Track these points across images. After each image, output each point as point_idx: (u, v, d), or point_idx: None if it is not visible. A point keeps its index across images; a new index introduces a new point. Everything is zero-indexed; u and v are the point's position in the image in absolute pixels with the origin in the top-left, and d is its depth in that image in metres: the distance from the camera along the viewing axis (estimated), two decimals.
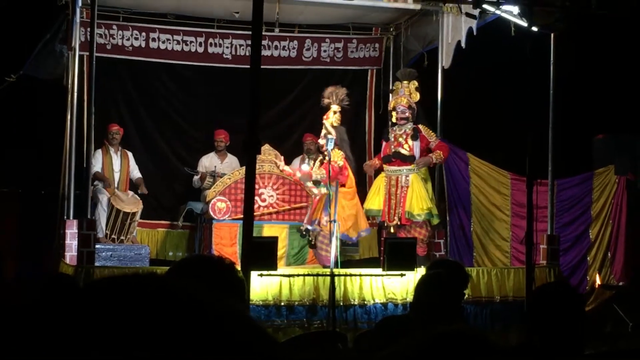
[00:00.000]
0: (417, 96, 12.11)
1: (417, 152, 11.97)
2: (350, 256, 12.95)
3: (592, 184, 13.03)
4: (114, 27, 13.16)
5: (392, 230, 12.11)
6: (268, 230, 11.96)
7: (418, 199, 11.81)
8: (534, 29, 10.60)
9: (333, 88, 11.61)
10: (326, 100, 11.50)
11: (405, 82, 12.17)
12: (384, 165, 12.22)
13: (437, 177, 12.92)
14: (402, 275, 10.77)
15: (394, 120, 12.15)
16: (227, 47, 13.73)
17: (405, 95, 12.06)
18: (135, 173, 12.90)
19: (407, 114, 12.02)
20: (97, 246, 11.14)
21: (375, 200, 12.16)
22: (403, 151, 11.96)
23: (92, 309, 0.95)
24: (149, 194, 12.86)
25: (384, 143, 12.31)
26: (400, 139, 12.02)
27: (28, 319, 0.98)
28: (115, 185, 12.61)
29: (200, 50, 13.64)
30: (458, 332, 1.59)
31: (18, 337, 0.96)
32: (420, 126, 12.03)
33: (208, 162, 13.17)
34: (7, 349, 0.96)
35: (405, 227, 11.95)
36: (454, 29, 12.47)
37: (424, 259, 11.60)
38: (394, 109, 12.12)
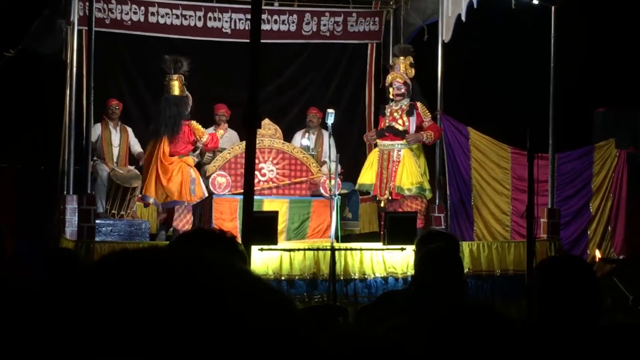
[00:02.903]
0: (412, 72, 12.16)
1: (412, 128, 12.02)
2: (350, 230, 12.96)
3: (592, 158, 13.03)
4: (113, 1, 13.10)
5: (382, 205, 12.18)
6: (268, 204, 11.96)
7: (408, 174, 11.86)
8: (535, 2, 10.57)
9: (176, 57, 11.67)
10: (168, 70, 11.62)
11: (401, 57, 12.20)
12: (377, 140, 12.29)
13: (437, 152, 12.92)
14: (402, 249, 10.77)
15: (391, 96, 12.22)
16: (227, 22, 13.68)
17: (400, 71, 12.12)
18: (137, 148, 12.87)
19: (402, 90, 12.09)
20: (97, 221, 11.16)
21: (368, 174, 12.24)
22: (397, 126, 12.02)
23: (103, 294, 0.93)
24: None
25: (380, 118, 12.39)
26: (396, 114, 12.10)
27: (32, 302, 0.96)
28: (115, 159, 12.60)
29: (200, 24, 13.59)
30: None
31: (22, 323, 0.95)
32: (417, 103, 12.08)
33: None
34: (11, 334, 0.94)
35: (397, 201, 12.01)
36: (454, 3, 12.41)
37: (420, 231, 11.64)
38: (391, 84, 12.20)
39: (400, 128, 12.03)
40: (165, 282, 0.92)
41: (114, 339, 0.88)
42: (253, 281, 0.98)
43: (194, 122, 11.77)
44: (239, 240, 3.80)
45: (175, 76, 11.59)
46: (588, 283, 3.31)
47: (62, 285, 0.94)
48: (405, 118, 12.03)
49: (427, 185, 12.04)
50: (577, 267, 3.44)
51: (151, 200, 11.71)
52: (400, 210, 11.88)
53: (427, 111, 12.17)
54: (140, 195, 11.99)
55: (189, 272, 0.94)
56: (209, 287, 0.93)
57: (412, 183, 11.85)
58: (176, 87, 11.59)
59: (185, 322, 0.89)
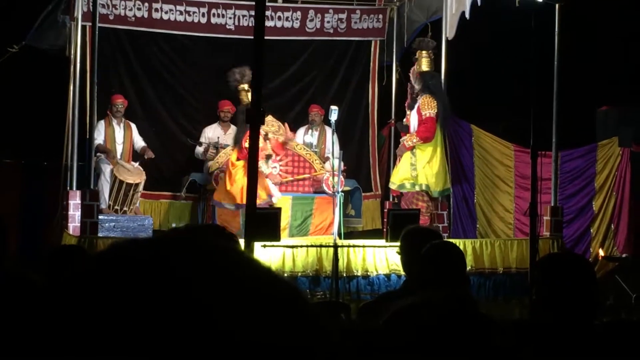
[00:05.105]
0: (420, 66, 12.14)
1: (412, 123, 12.02)
2: (353, 227, 12.96)
3: (595, 156, 13.01)
4: None
5: (396, 201, 12.23)
6: None
7: (399, 169, 11.93)
8: None
9: (239, 69, 11.98)
10: (234, 83, 12.04)
11: (422, 52, 12.24)
12: None
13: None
14: None
15: None
16: (230, 18, 13.67)
17: (413, 66, 12.19)
18: (141, 143, 12.84)
19: (414, 86, 12.16)
20: (100, 217, 11.16)
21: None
22: (403, 122, 12.16)
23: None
24: (151, 165, 12.84)
25: None
26: (407, 110, 12.24)
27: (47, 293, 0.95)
28: (119, 156, 12.59)
29: (203, 20, 13.58)
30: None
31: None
32: (421, 97, 11.98)
33: (211, 133, 13.12)
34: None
35: (403, 197, 12.05)
36: (458, 0, 12.39)
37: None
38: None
39: (404, 123, 12.11)
40: (165, 281, 0.90)
41: (111, 337, 0.87)
42: (264, 275, 0.96)
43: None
44: (242, 237, 3.80)
45: (244, 86, 11.87)
46: (586, 279, 3.30)
47: (60, 282, 0.93)
48: (410, 113, 12.15)
49: (421, 181, 11.89)
50: (574, 263, 3.44)
51: (227, 206, 11.83)
52: (405, 207, 11.90)
53: (429, 104, 11.95)
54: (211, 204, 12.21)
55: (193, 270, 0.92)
56: (207, 288, 0.91)
57: (400, 179, 11.90)
58: (244, 97, 11.88)
59: (180, 326, 0.87)
